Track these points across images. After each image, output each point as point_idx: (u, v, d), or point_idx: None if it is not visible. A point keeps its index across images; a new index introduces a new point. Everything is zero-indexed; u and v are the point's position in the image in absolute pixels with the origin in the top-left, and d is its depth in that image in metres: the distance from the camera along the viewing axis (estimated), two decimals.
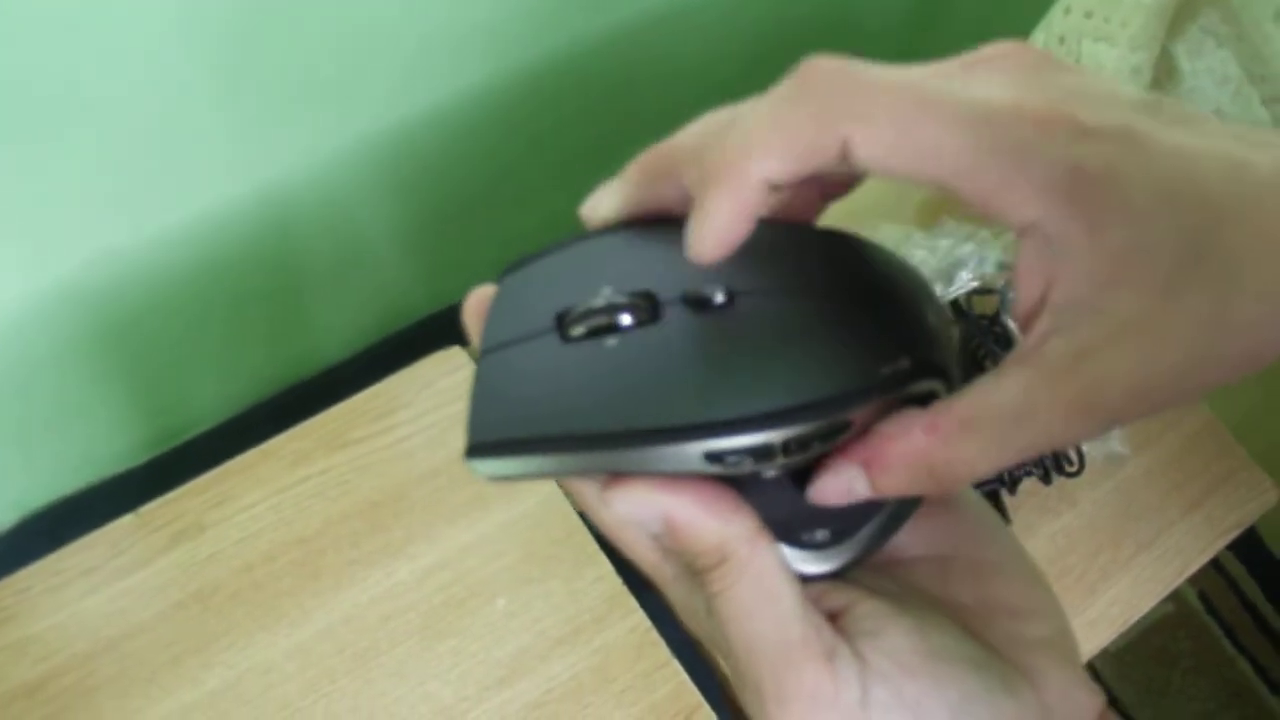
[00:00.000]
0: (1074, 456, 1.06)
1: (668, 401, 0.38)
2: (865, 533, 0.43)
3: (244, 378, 1.72)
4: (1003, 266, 1.11)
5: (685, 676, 0.97)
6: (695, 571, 0.42)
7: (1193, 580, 1.10)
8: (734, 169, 0.37)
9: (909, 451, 0.39)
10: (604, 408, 0.39)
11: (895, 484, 0.39)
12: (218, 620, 0.96)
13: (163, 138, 1.25)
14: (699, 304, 0.40)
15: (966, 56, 0.38)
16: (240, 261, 1.48)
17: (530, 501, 1.02)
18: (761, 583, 0.41)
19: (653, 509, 0.41)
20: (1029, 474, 1.05)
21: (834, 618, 0.42)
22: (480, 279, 1.38)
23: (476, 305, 0.46)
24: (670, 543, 0.42)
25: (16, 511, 1.67)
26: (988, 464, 0.38)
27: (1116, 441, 1.09)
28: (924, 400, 0.40)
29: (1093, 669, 1.83)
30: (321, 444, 1.02)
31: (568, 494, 0.47)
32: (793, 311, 0.40)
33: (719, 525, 0.41)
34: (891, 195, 1.22)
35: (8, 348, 1.38)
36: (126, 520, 0.98)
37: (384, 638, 0.96)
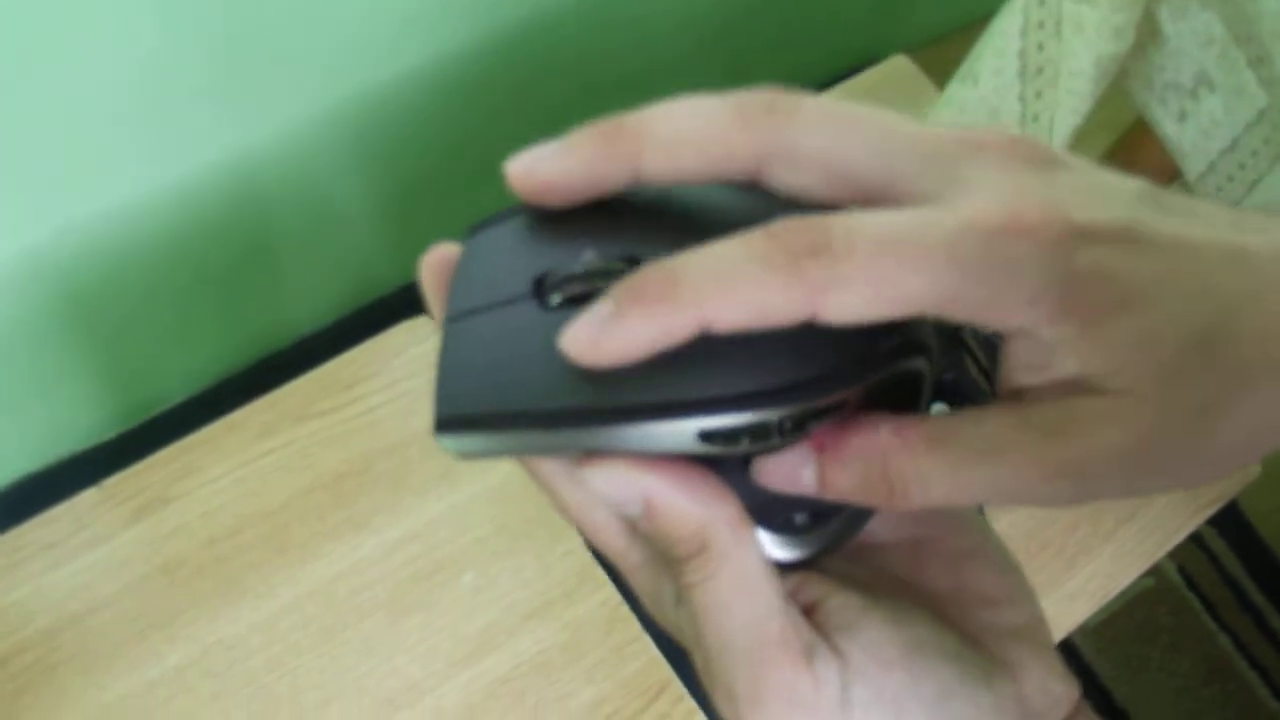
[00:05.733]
0: None
1: (659, 376, 0.35)
2: (843, 516, 0.42)
3: (214, 350, 1.71)
4: None
5: (656, 652, 0.96)
6: (670, 560, 0.40)
7: (1173, 555, 1.09)
8: (678, 301, 0.34)
9: (871, 447, 0.37)
10: (590, 381, 0.36)
11: (845, 480, 0.38)
12: (182, 595, 0.94)
13: (130, 107, 1.23)
14: None
15: (964, 137, 0.37)
16: (208, 233, 1.47)
17: (500, 474, 1.01)
18: (741, 575, 0.39)
19: (632, 489, 0.38)
20: None
21: (809, 611, 0.41)
22: None
23: (437, 265, 0.42)
24: (647, 526, 0.39)
25: None
26: (943, 488, 0.36)
27: None
28: (910, 382, 0.38)
29: (1071, 644, 1.82)
30: (287, 415, 1.01)
31: (528, 470, 0.44)
32: None
33: (701, 510, 0.38)
34: None
35: None
36: (89, 494, 0.97)
37: (350, 612, 0.95)
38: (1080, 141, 1.12)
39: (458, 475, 1.00)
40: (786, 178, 0.37)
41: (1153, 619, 1.89)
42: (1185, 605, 1.91)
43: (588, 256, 0.38)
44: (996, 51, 1.09)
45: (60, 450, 1.69)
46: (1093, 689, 1.80)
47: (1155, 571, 1.87)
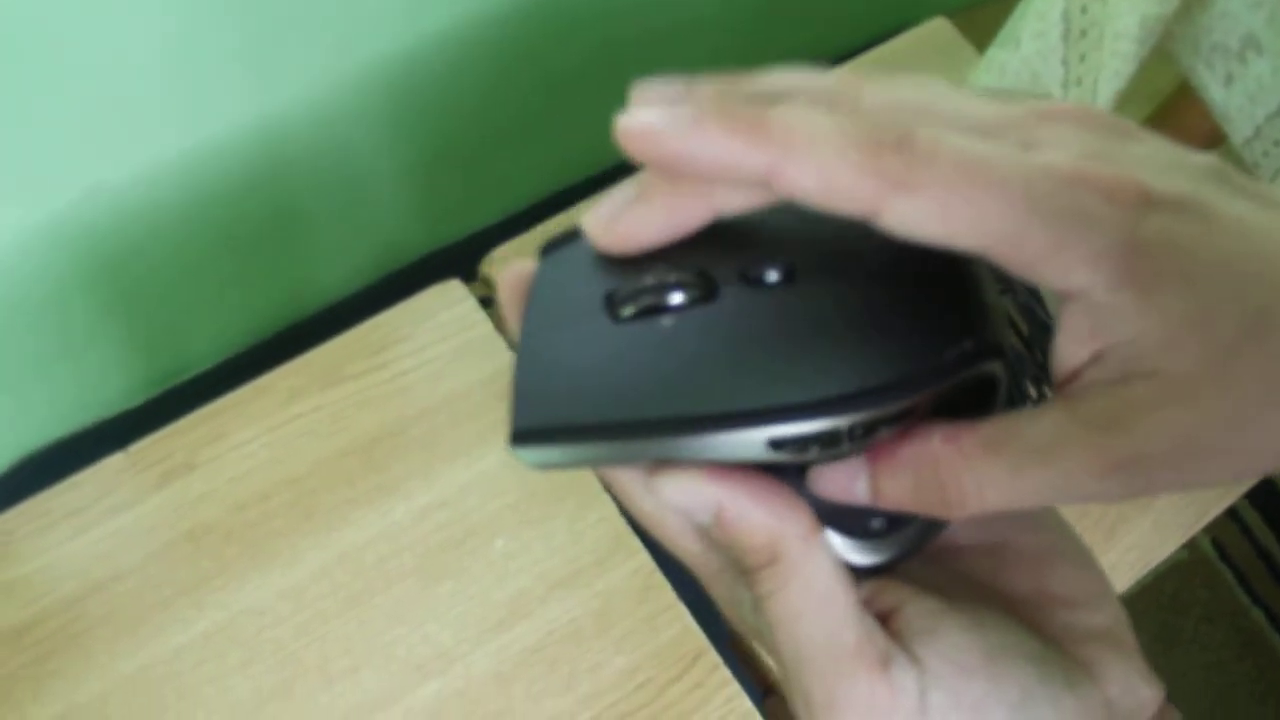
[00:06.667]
0: None
1: (729, 385, 0.36)
2: (920, 521, 0.41)
3: (242, 316, 1.70)
4: None
5: (690, 620, 0.94)
6: (744, 569, 0.40)
7: (1207, 527, 1.07)
8: (761, 137, 0.33)
9: (923, 455, 0.36)
10: (661, 392, 0.37)
11: (898, 489, 0.37)
12: (209, 561, 0.93)
13: (159, 70, 1.22)
14: (756, 282, 0.37)
15: (1038, 106, 0.36)
16: (236, 197, 1.46)
17: None
18: (814, 586, 0.38)
19: (704, 499, 0.38)
20: None
21: (886, 617, 0.40)
22: (481, 217, 1.36)
23: (514, 282, 0.42)
24: (719, 536, 0.39)
25: (13, 453, 1.65)
26: (999, 493, 0.35)
27: None
28: (983, 386, 0.37)
29: None
30: (316, 380, 1.00)
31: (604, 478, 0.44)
32: (853, 291, 0.38)
33: (773, 521, 0.38)
34: None
35: (1, 283, 1.35)
36: (115, 459, 0.96)
37: (379, 579, 0.94)
38: (1120, 108, 1.10)
39: (489, 441, 0.99)
40: (899, 228, 0.35)
41: (1186, 591, 1.88)
42: (1218, 578, 1.89)
43: (657, 270, 0.38)
44: (1039, 14, 1.07)
45: (88, 416, 1.69)
46: (1174, 708, 1.80)
47: (1189, 544, 1.85)
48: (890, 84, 0.36)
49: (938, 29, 1.25)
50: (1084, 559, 0.44)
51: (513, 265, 0.43)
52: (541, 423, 0.38)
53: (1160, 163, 0.35)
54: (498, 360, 1.02)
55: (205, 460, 0.96)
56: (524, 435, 0.38)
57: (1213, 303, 0.33)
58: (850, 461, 0.38)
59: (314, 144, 1.47)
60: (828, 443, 0.36)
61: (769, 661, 0.95)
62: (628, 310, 0.38)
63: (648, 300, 0.38)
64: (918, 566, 0.42)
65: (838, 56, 1.22)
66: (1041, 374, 1.03)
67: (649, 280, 0.38)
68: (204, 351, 1.71)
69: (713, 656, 0.94)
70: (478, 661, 0.92)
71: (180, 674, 0.90)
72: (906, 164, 0.32)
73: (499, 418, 0.90)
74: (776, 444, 0.36)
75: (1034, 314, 1.06)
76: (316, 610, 0.92)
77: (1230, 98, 1.04)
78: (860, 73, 0.36)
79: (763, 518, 0.38)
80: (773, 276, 0.37)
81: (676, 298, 0.37)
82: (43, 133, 1.21)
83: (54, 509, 0.94)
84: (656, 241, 0.38)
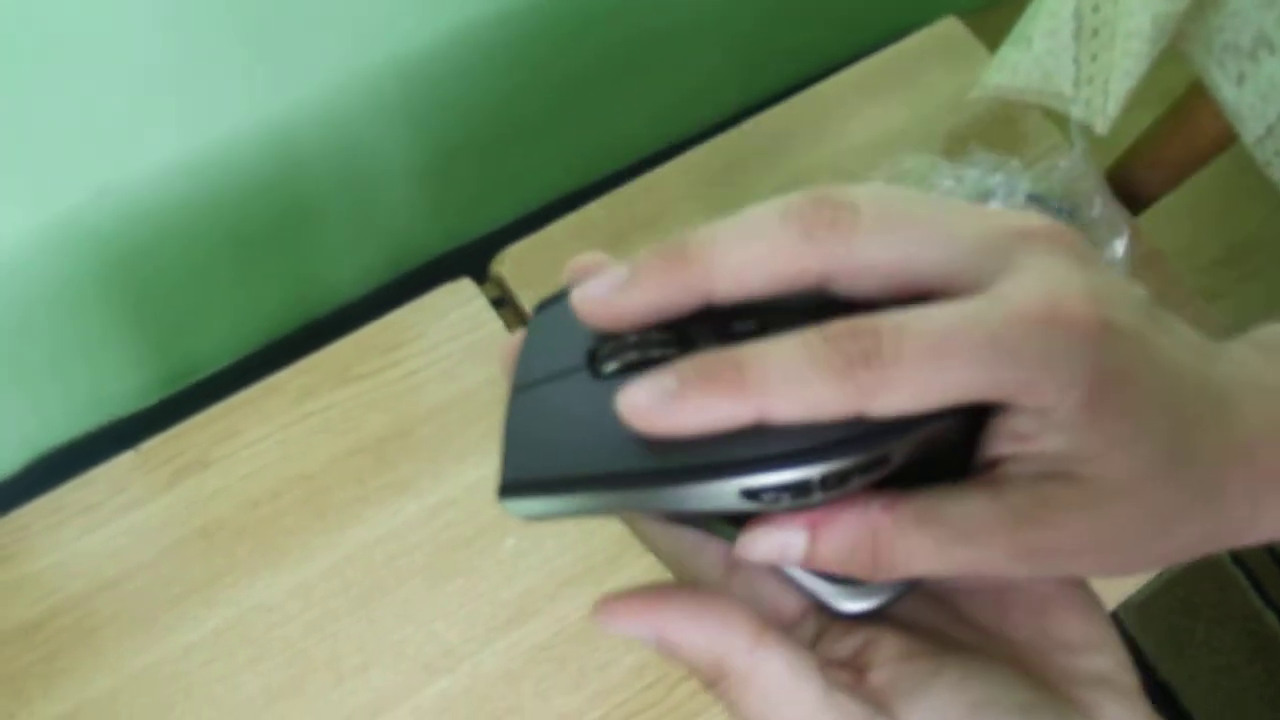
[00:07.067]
0: None
1: (702, 438, 0.37)
2: None
3: (253, 316, 1.71)
4: (1033, 198, 1.08)
5: None
6: (702, 683, 0.41)
7: None
8: (740, 393, 0.37)
9: (862, 522, 0.39)
10: (636, 445, 0.38)
11: (834, 551, 0.39)
12: (220, 558, 0.94)
13: (169, 68, 1.22)
14: (730, 337, 0.39)
15: (1015, 227, 0.39)
16: (248, 197, 1.46)
17: None
18: (771, 691, 0.39)
19: (644, 629, 0.40)
20: None
21: (867, 673, 0.41)
22: (493, 217, 1.36)
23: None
24: (667, 658, 0.40)
25: (27, 453, 1.66)
26: (925, 564, 0.39)
27: None
28: (945, 438, 0.39)
29: (1116, 619, 1.81)
30: (328, 378, 1.00)
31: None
32: None
33: (713, 642, 0.39)
34: (918, 124, 1.19)
35: (12, 283, 1.36)
36: (127, 457, 0.96)
37: (390, 577, 0.94)
38: (1131, 109, 1.10)
39: (499, 440, 0.99)
40: (851, 287, 0.39)
41: (1197, 594, 1.87)
42: (1230, 581, 1.89)
43: (618, 340, 0.41)
44: (1050, 12, 1.07)
45: (101, 417, 1.69)
46: (1135, 665, 1.78)
47: None
48: (874, 212, 0.39)
49: (949, 29, 1.25)
50: (1088, 604, 0.44)
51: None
52: (527, 476, 0.41)
53: (1115, 295, 0.38)
54: None
55: (217, 458, 0.97)
56: (511, 488, 0.41)
57: (1145, 428, 0.37)
58: (787, 525, 0.39)
59: (325, 143, 1.47)
60: (798, 492, 0.37)
61: None
62: (610, 367, 0.40)
63: (629, 357, 0.40)
64: (918, 607, 0.43)
65: (849, 57, 1.22)
66: None
67: (630, 338, 0.40)
68: (215, 352, 1.71)
69: None
70: (487, 659, 0.93)
71: (190, 671, 0.90)
72: (877, 375, 0.35)
73: None
74: (749, 494, 0.37)
75: None
76: (326, 608, 0.93)
77: (1242, 97, 1.04)
78: (812, 197, 0.39)
79: (703, 640, 0.39)
80: (745, 330, 0.39)
81: (655, 354, 0.39)
82: (51, 133, 1.21)
83: (66, 506, 0.94)
84: (646, 322, 0.40)
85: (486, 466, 0.98)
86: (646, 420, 0.37)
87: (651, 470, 0.38)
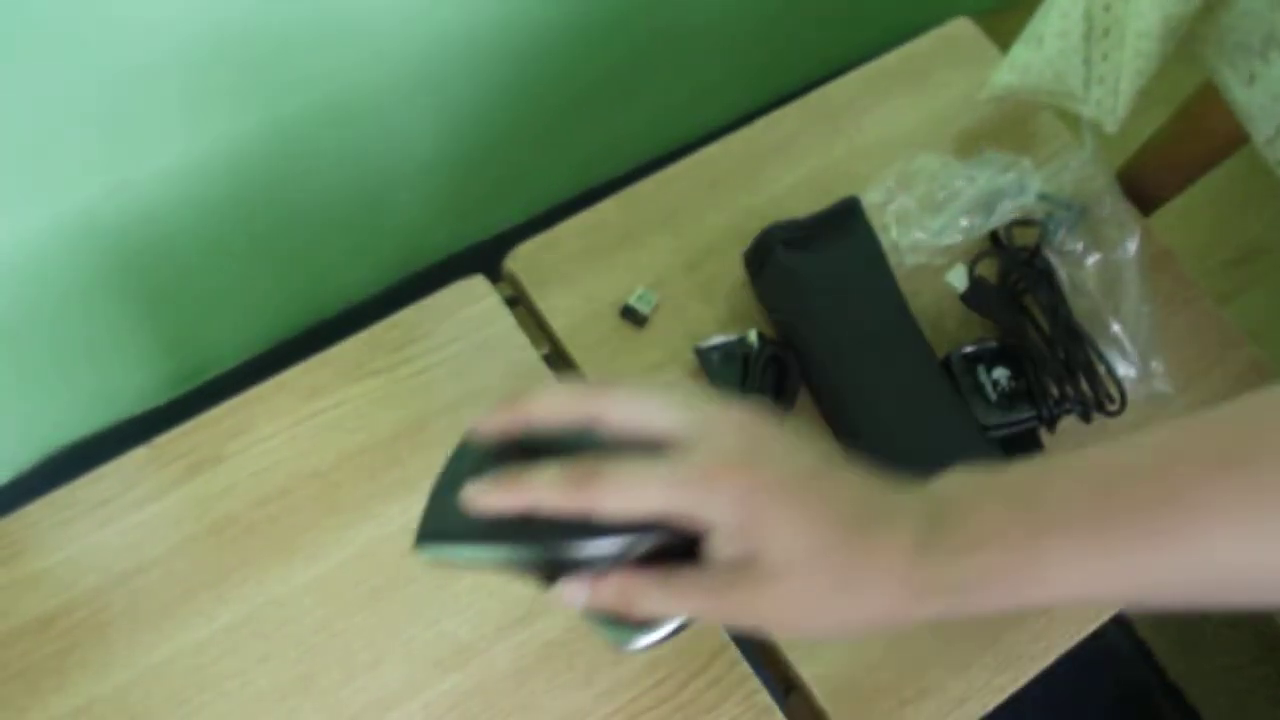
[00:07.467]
0: (1115, 394, 1.03)
1: (527, 525, 0.63)
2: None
3: (265, 316, 1.71)
4: (1044, 197, 1.08)
5: None
6: None
7: None
8: (519, 492, 0.63)
9: (621, 582, 0.62)
10: (489, 524, 0.64)
11: (603, 599, 0.63)
12: (232, 554, 0.94)
13: (183, 63, 1.22)
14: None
15: (716, 410, 0.64)
16: (261, 196, 1.47)
17: None
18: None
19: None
20: (1068, 411, 1.02)
21: None
22: (504, 218, 1.38)
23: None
24: None
25: (36, 452, 1.66)
26: (659, 611, 0.64)
27: (1159, 380, 1.06)
28: (679, 537, 0.62)
29: (1126, 620, 1.81)
30: (339, 375, 1.00)
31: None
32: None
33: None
34: (929, 124, 1.19)
35: (27, 280, 1.36)
36: (139, 452, 0.96)
37: (401, 573, 0.94)
38: (1142, 112, 1.10)
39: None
40: (615, 432, 0.64)
41: None
42: None
43: (504, 454, 0.66)
44: (1062, 12, 1.07)
45: (111, 415, 1.70)
46: (1146, 665, 1.78)
47: None
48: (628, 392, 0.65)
49: (961, 29, 1.25)
50: None
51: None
52: (428, 530, 0.68)
53: (768, 458, 0.62)
54: (520, 356, 1.02)
55: (229, 454, 0.97)
56: (421, 538, 0.68)
57: (787, 542, 0.60)
58: (581, 581, 0.63)
59: (337, 144, 1.48)
60: (588, 565, 0.62)
61: (789, 658, 0.95)
62: (481, 469, 0.66)
63: (487, 464, 0.66)
64: None
65: (862, 57, 1.22)
66: (1064, 372, 1.03)
67: (493, 451, 0.67)
68: (226, 351, 1.72)
69: (732, 653, 0.94)
70: (498, 656, 0.93)
71: (202, 666, 0.90)
72: (598, 489, 0.60)
73: None
74: (567, 563, 0.63)
75: (1058, 314, 1.05)
76: (339, 604, 0.93)
77: (1253, 97, 1.04)
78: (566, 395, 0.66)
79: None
80: (560, 447, 0.64)
81: (507, 462, 0.65)
82: (67, 126, 1.21)
83: (79, 501, 0.94)
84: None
85: None
86: (477, 500, 0.63)
87: (511, 536, 0.64)
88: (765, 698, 0.93)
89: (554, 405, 0.66)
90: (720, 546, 0.61)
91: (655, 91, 1.77)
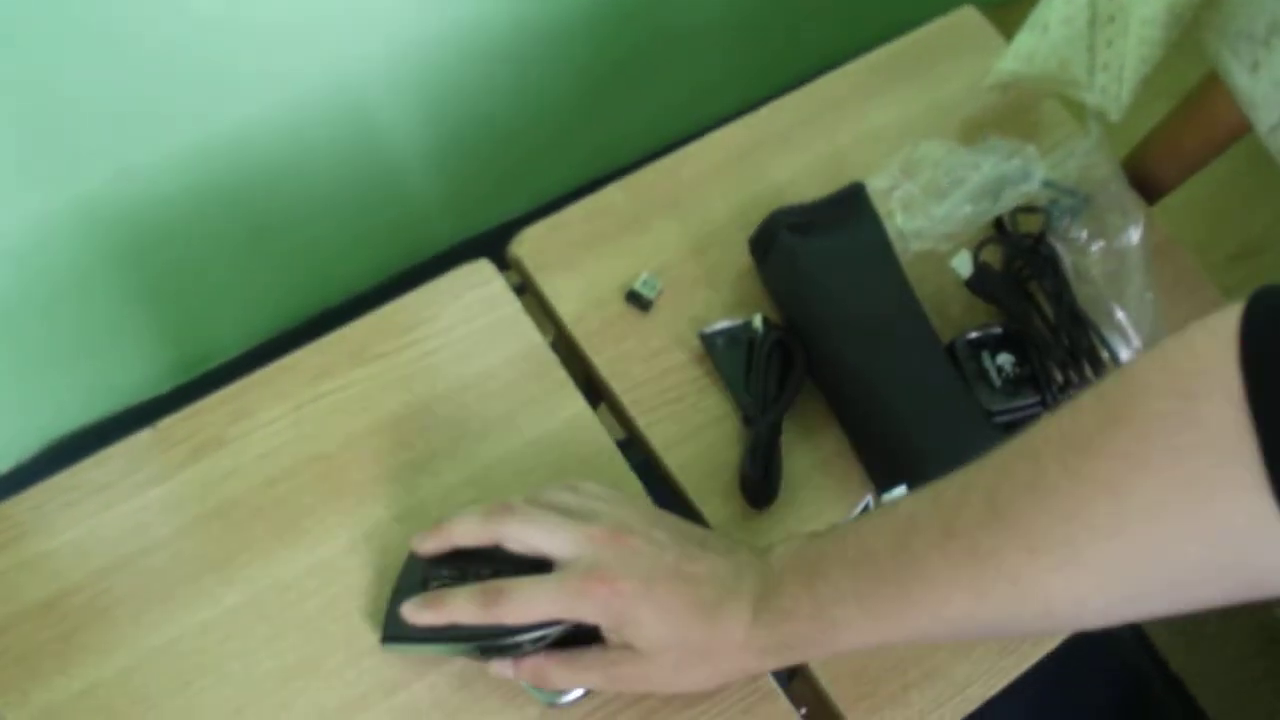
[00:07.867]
0: None
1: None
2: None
3: (268, 304, 1.71)
4: (1048, 184, 1.08)
5: None
6: None
7: None
8: (437, 610, 0.85)
9: (536, 661, 0.85)
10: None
11: (524, 676, 0.86)
12: (237, 536, 0.94)
13: (186, 48, 1.22)
14: (462, 578, 0.87)
15: (592, 533, 0.84)
16: (265, 184, 1.46)
17: (560, 420, 1.00)
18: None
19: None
20: (1073, 397, 1.02)
21: None
22: (509, 207, 1.38)
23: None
24: None
25: (39, 440, 1.66)
26: (569, 683, 0.87)
27: None
28: (581, 628, 0.84)
29: None
30: (344, 358, 1.00)
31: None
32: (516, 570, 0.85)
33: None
34: (935, 111, 1.19)
35: (30, 266, 1.36)
36: (144, 435, 0.96)
37: (406, 556, 0.94)
38: (1145, 104, 1.11)
39: (516, 420, 0.99)
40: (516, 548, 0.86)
41: None
42: None
43: (447, 566, 0.88)
44: None
45: (114, 404, 1.69)
46: (1148, 657, 1.78)
47: None
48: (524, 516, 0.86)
49: (966, 18, 1.25)
50: None
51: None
52: (389, 634, 0.89)
53: (632, 564, 0.82)
54: (525, 340, 1.02)
55: (234, 436, 0.97)
56: (385, 640, 0.89)
57: (649, 631, 0.81)
58: (503, 661, 0.85)
59: (342, 132, 1.48)
60: (511, 649, 0.84)
61: None
62: (433, 584, 0.88)
63: (439, 580, 0.88)
64: None
65: (867, 45, 1.22)
66: (1069, 359, 1.03)
67: (443, 571, 0.88)
68: (230, 339, 1.72)
69: None
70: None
71: (208, 649, 0.90)
72: (501, 605, 0.82)
73: (527, 397, 0.97)
74: (486, 649, 0.85)
75: (1062, 300, 1.05)
76: (344, 586, 0.93)
77: (1256, 85, 1.04)
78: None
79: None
80: (486, 571, 0.86)
81: (445, 575, 0.88)
82: (70, 112, 1.21)
83: (82, 484, 0.94)
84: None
85: (505, 445, 0.98)
86: (411, 618, 0.85)
87: (436, 637, 0.86)
88: (769, 681, 0.94)
89: (467, 532, 0.87)
90: (607, 634, 0.83)
91: (658, 89, 1.77)
